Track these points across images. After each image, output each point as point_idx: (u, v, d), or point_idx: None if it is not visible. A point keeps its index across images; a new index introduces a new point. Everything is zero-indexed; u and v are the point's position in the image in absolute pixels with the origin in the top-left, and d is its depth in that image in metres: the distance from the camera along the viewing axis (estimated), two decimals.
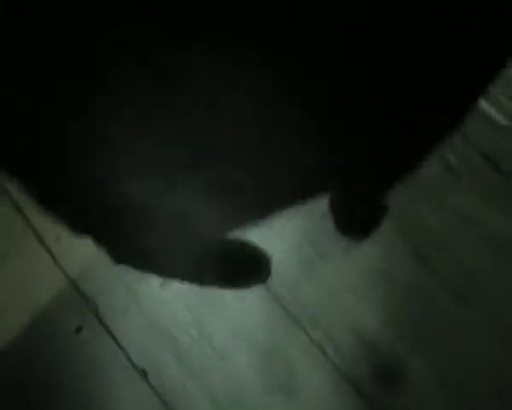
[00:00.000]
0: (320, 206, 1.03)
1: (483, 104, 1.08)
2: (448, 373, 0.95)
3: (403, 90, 0.56)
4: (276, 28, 0.45)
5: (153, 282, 1.00)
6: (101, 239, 0.77)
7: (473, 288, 0.99)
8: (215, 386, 0.96)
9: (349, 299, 0.99)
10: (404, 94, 0.56)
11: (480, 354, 0.96)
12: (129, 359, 0.97)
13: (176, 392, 0.96)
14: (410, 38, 0.50)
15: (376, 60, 0.51)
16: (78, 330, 0.99)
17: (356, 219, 1.01)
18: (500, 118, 1.08)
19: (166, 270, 0.91)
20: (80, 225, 0.72)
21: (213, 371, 0.97)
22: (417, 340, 0.97)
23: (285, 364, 0.97)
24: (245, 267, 1.01)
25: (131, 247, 0.75)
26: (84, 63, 0.45)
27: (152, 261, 0.83)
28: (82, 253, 1.02)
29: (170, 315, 0.99)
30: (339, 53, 0.49)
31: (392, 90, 0.55)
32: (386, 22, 0.48)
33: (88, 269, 1.01)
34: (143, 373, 0.96)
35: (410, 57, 0.52)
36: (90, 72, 0.45)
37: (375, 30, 0.48)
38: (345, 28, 0.47)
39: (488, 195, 1.04)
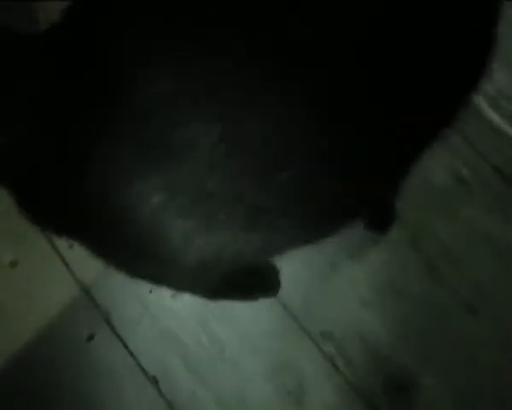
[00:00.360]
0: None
1: (495, 117, 1.09)
2: (460, 386, 0.95)
3: (401, 91, 0.57)
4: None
5: (164, 292, 1.01)
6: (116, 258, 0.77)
7: (483, 300, 0.99)
8: (225, 394, 0.96)
9: (361, 311, 0.99)
10: (403, 94, 0.57)
11: (491, 365, 0.96)
12: (140, 366, 0.97)
13: (186, 399, 0.96)
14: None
15: (377, 63, 0.52)
16: (90, 337, 0.99)
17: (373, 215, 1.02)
18: (511, 131, 1.09)
19: (179, 285, 0.90)
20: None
21: (224, 380, 0.97)
22: (429, 352, 0.97)
23: (295, 375, 0.97)
24: (255, 280, 1.00)
25: (145, 262, 0.75)
26: None
27: (164, 276, 0.83)
28: (94, 261, 1.02)
29: (181, 324, 0.99)
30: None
31: (391, 90, 0.56)
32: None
33: (100, 277, 1.02)
34: (154, 380, 0.97)
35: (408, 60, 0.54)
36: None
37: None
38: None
39: (500, 208, 1.04)
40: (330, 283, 1.01)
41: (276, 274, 1.00)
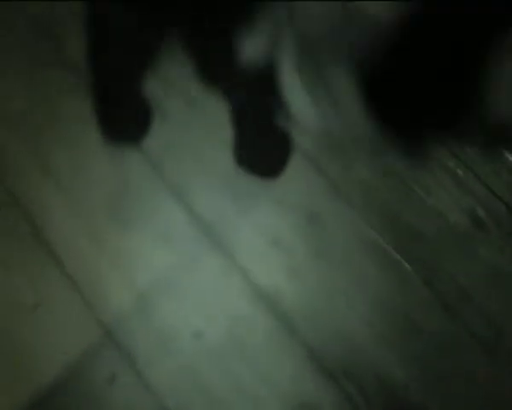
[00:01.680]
0: (346, 259, 1.05)
1: (509, 157, 1.10)
2: None
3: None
4: None
5: (185, 332, 1.02)
6: None
7: (500, 340, 1.00)
8: None
9: (378, 351, 1.00)
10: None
11: (508, 405, 0.97)
12: (162, 406, 0.98)
13: None
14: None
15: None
16: (112, 378, 1.00)
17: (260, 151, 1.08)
18: None
19: None
20: None
21: None
22: (445, 392, 0.98)
23: None
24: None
25: None
26: None
27: None
28: (116, 301, 1.04)
29: (201, 364, 1.01)
30: None
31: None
32: None
33: (122, 318, 1.03)
34: None
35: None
36: None
37: None
38: None
39: None
40: (348, 321, 1.03)
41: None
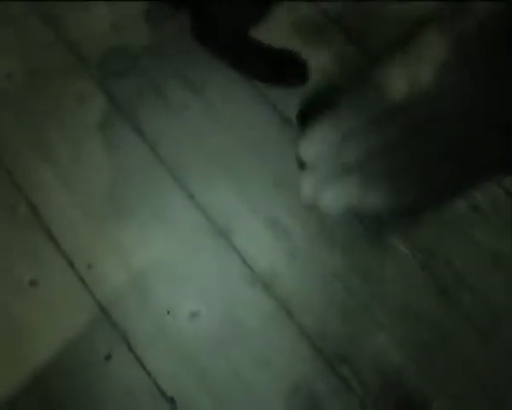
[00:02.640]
0: (347, 241, 1.05)
1: None
2: None
3: None
4: None
5: (182, 313, 1.02)
6: None
7: (496, 326, 1.00)
8: None
9: (374, 335, 1.01)
10: None
11: (504, 391, 0.97)
12: (157, 386, 0.99)
13: None
14: None
15: None
16: (108, 357, 1.00)
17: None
18: None
19: None
20: None
21: (240, 402, 0.98)
22: (442, 377, 0.98)
23: (310, 397, 0.98)
24: (286, 63, 1.15)
25: None
26: None
27: None
28: (113, 281, 1.04)
29: (198, 346, 1.01)
30: None
31: None
32: None
33: (118, 298, 1.03)
34: (171, 401, 0.98)
35: None
36: None
37: None
38: None
39: None
40: (345, 306, 1.02)
41: (306, 65, 1.14)
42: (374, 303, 1.02)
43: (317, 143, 0.56)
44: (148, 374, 0.99)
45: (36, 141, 1.14)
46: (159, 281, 1.04)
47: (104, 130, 1.14)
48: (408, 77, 0.51)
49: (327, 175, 0.56)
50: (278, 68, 1.15)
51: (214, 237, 1.06)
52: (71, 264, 1.05)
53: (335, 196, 0.57)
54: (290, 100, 1.14)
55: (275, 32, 1.17)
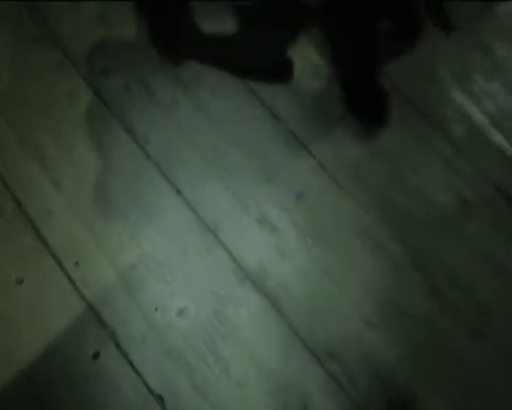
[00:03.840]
0: (333, 240, 1.05)
1: (498, 138, 1.10)
2: (462, 407, 0.95)
3: None
4: None
5: (170, 310, 1.01)
6: None
7: (486, 322, 1.00)
8: None
9: (365, 332, 1.00)
10: None
11: (493, 388, 0.96)
12: (146, 384, 0.98)
13: None
14: None
15: None
16: (96, 355, 0.99)
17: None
18: None
19: None
20: None
21: (228, 399, 0.97)
22: (433, 374, 0.98)
23: (299, 394, 0.97)
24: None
25: None
26: None
27: None
28: (101, 279, 1.03)
29: (186, 343, 1.00)
30: None
31: None
32: None
33: (106, 295, 1.02)
34: (160, 399, 0.97)
35: None
36: None
37: None
38: None
39: (502, 228, 1.05)
40: (334, 303, 1.02)
41: (291, 64, 1.15)
42: (364, 300, 1.02)
43: None
44: (137, 372, 0.98)
45: (23, 138, 1.13)
46: (147, 278, 1.03)
47: (92, 126, 1.13)
48: None
49: None
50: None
51: (202, 234, 1.06)
52: (58, 262, 1.04)
53: None
54: (278, 96, 1.14)
55: None
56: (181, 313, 1.01)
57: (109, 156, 1.11)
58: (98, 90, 1.16)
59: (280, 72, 1.15)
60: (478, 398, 0.96)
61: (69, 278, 1.04)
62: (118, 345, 1.00)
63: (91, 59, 1.18)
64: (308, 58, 1.17)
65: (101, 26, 1.20)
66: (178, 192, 1.08)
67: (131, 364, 0.99)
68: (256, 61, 1.14)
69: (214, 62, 1.14)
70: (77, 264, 1.04)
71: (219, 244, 1.05)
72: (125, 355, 0.99)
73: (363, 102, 1.13)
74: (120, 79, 1.16)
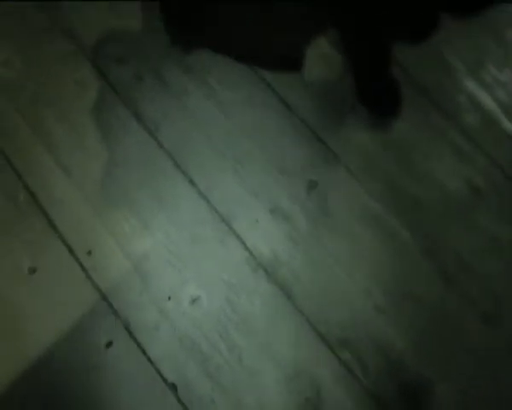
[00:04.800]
0: (345, 228, 1.05)
1: (509, 126, 1.10)
2: (474, 394, 0.96)
3: None
4: None
5: (183, 299, 1.02)
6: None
7: (499, 310, 1.00)
8: (243, 402, 0.97)
9: (376, 319, 1.00)
10: None
11: (506, 375, 0.97)
12: (159, 373, 0.98)
13: (204, 407, 0.97)
14: None
15: None
16: (109, 344, 1.00)
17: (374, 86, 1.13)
18: None
19: None
20: None
21: (242, 387, 0.98)
22: (444, 360, 0.98)
23: (312, 381, 0.98)
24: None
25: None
26: None
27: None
28: (113, 268, 1.03)
29: (199, 331, 1.00)
30: None
31: None
32: None
33: (119, 284, 1.02)
34: (173, 387, 0.97)
35: None
36: None
37: None
38: None
39: None
40: (346, 291, 1.02)
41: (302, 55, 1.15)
42: (375, 288, 1.02)
43: None
44: (150, 360, 0.99)
45: (35, 127, 1.13)
46: (159, 267, 1.04)
47: (103, 115, 1.13)
48: None
49: None
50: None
51: (216, 223, 1.06)
52: (70, 250, 1.05)
53: None
54: (290, 85, 1.14)
55: None
56: (194, 301, 1.01)
57: (121, 145, 1.11)
58: (109, 79, 1.15)
59: (291, 61, 1.14)
60: (487, 383, 0.96)
61: (82, 266, 1.04)
62: (131, 334, 1.00)
63: (102, 48, 1.17)
64: (320, 48, 1.16)
65: (113, 16, 1.19)
66: (191, 182, 1.08)
67: (144, 353, 0.99)
68: (267, 50, 1.13)
69: (228, 52, 1.13)
70: (89, 253, 1.04)
71: (232, 234, 1.05)
72: (137, 344, 1.00)
73: (375, 93, 1.12)
74: (131, 69, 1.16)
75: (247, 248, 1.04)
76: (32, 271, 1.04)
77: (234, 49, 1.14)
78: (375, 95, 1.12)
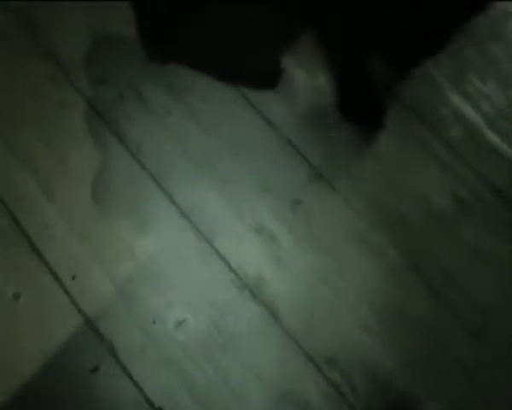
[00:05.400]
0: (330, 246, 1.04)
1: (494, 138, 1.10)
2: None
3: None
4: None
5: (168, 322, 1.01)
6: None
7: (486, 324, 1.00)
8: None
9: (364, 337, 1.00)
10: None
11: (494, 390, 0.96)
12: (145, 397, 0.97)
13: None
14: None
15: None
16: (95, 369, 0.99)
17: (357, 98, 1.13)
18: (510, 153, 1.09)
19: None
20: None
21: (229, 408, 0.97)
22: (432, 378, 0.98)
23: (299, 402, 0.97)
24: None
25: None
26: None
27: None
28: (98, 292, 1.03)
29: (185, 354, 1.00)
30: None
31: None
32: None
33: (104, 308, 1.02)
34: None
35: None
36: None
37: None
38: None
39: (500, 229, 1.05)
40: (333, 309, 1.01)
41: (280, 71, 1.16)
42: (362, 306, 1.01)
43: None
44: (136, 385, 0.98)
45: (18, 151, 1.12)
46: (144, 290, 1.03)
47: (86, 137, 1.12)
48: None
49: None
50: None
51: (199, 243, 1.05)
52: (55, 276, 1.04)
53: None
54: (271, 102, 1.13)
55: None
56: (179, 324, 1.01)
57: (103, 167, 1.10)
58: (91, 100, 1.15)
59: (266, 77, 1.14)
60: (478, 399, 0.96)
61: (66, 291, 1.03)
62: (116, 358, 0.99)
63: (83, 69, 1.17)
64: (302, 63, 1.16)
65: (91, 36, 1.19)
66: (173, 202, 1.07)
67: (130, 377, 0.99)
68: (244, 66, 1.13)
69: (203, 68, 1.13)
70: (74, 277, 1.04)
71: (216, 254, 1.04)
72: (123, 368, 0.99)
73: (358, 107, 1.12)
74: (113, 90, 1.15)
75: (231, 269, 1.03)
76: (17, 297, 1.03)
77: (207, 66, 1.13)
78: (359, 109, 1.12)
